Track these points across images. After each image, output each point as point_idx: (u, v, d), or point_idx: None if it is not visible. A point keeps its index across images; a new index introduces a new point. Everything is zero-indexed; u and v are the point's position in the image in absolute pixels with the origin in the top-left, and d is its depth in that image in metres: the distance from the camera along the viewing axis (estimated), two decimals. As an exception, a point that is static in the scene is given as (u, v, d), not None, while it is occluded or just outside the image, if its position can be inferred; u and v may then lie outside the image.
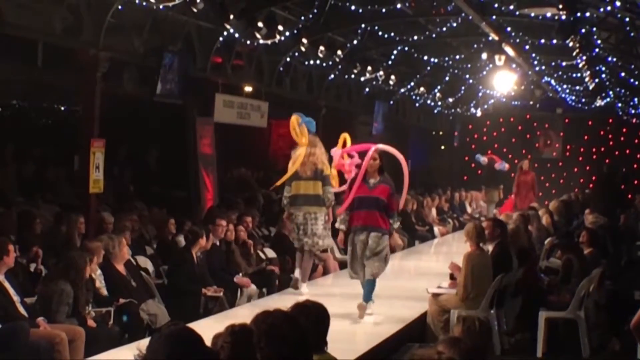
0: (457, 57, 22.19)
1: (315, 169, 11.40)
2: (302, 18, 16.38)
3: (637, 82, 22.89)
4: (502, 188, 25.51)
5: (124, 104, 16.64)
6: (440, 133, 33.26)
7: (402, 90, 24.18)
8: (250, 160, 22.40)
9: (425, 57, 21.48)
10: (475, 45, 20.88)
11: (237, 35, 14.56)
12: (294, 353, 4.49)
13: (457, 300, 10.07)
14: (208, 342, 4.06)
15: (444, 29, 18.53)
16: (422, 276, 14.11)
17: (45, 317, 8.81)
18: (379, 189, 10.36)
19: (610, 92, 26.06)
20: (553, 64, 22.85)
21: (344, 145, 11.11)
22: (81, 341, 8.75)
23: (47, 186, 15.39)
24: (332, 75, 20.69)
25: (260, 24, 14.07)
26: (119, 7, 12.66)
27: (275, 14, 15.37)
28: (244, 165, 21.09)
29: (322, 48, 17.02)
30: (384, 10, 16.51)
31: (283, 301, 9.67)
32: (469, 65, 23.18)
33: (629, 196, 24.45)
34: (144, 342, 3.75)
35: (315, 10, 16.02)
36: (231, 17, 13.64)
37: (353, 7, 15.90)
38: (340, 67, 19.55)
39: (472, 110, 30.64)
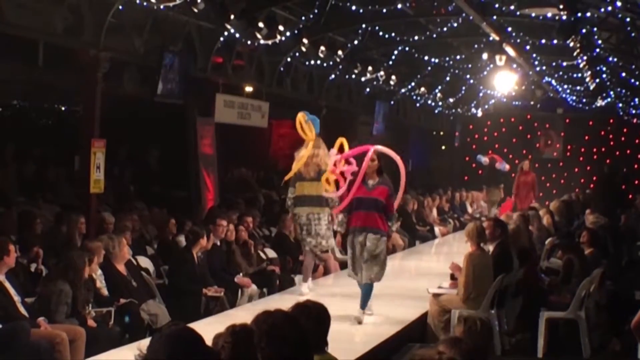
0: (458, 57, 22.19)
1: (318, 170, 11.40)
2: (303, 18, 16.39)
3: (637, 82, 22.88)
4: (503, 187, 25.53)
5: (124, 104, 16.64)
6: (441, 133, 33.27)
7: (403, 90, 24.18)
8: (251, 160, 22.40)
9: (426, 57, 21.48)
10: (475, 46, 20.88)
11: (237, 35, 14.56)
12: (294, 353, 4.49)
13: (457, 301, 10.06)
14: (209, 342, 4.06)
15: (445, 29, 18.52)
16: (422, 276, 14.10)
17: (45, 317, 8.81)
18: (377, 190, 10.32)
19: (611, 93, 26.05)
20: (554, 64, 22.85)
21: (341, 149, 11.07)
22: (82, 341, 8.75)
23: (48, 186, 15.40)
24: (333, 76, 20.69)
25: (260, 24, 14.06)
26: (120, 7, 12.66)
27: (275, 14, 15.37)
28: (244, 166, 21.09)
29: (322, 48, 17.02)
30: (384, 10, 16.51)
31: (284, 301, 9.66)
32: (470, 66, 23.18)
33: (630, 196, 24.43)
34: (145, 342, 3.75)
35: (316, 11, 16.03)
36: (232, 17, 13.63)
37: (354, 7, 15.91)
38: (340, 67, 19.55)
39: (473, 110, 30.65)
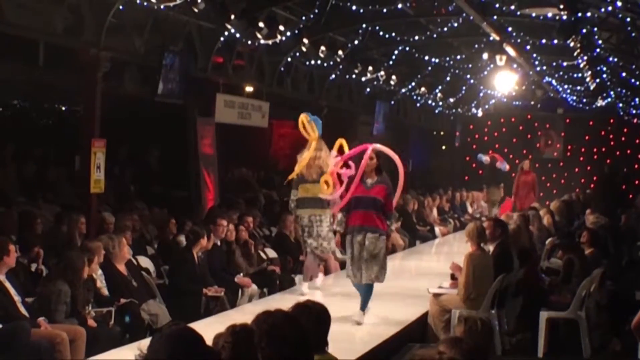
0: (458, 57, 22.19)
1: (320, 172, 11.39)
2: (303, 18, 16.40)
3: (638, 82, 22.88)
4: (503, 187, 25.54)
5: (124, 103, 16.65)
6: (442, 133, 33.28)
7: (403, 90, 24.18)
8: (251, 160, 22.40)
9: (426, 57, 21.47)
10: (476, 46, 20.88)
11: (238, 35, 14.56)
12: (295, 353, 4.49)
13: (458, 301, 10.06)
14: (209, 342, 4.06)
15: (445, 29, 18.52)
16: (423, 276, 14.10)
17: (45, 316, 8.81)
18: (376, 188, 10.23)
19: (611, 92, 26.05)
20: (554, 64, 22.85)
21: (341, 150, 11.07)
22: (82, 341, 8.75)
23: (48, 186, 15.40)
24: (333, 76, 20.69)
25: (261, 24, 14.07)
26: (120, 7, 12.66)
27: (276, 14, 15.38)
28: (244, 165, 21.10)
29: (323, 48, 17.02)
30: (385, 10, 16.50)
31: (284, 301, 9.67)
32: (470, 66, 23.18)
33: (630, 196, 24.44)
34: (145, 342, 3.75)
35: (316, 10, 16.03)
36: (232, 17, 13.64)
37: (354, 7, 15.90)
38: (341, 67, 19.54)
39: (473, 110, 30.66)
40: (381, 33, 18.62)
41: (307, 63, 18.86)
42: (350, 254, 10.35)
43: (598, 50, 19.03)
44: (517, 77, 22.21)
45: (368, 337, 9.61)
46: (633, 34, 17.34)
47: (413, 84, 24.00)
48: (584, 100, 28.45)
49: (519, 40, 18.81)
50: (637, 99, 26.67)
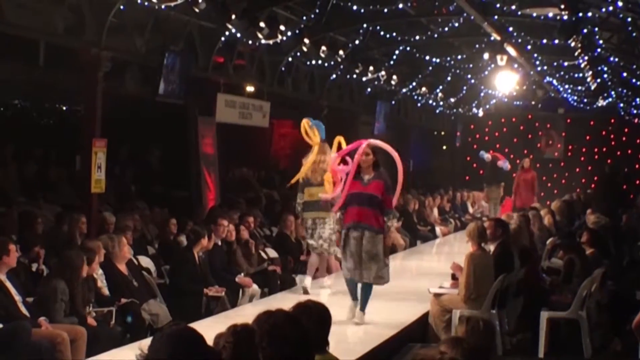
0: (459, 57, 22.19)
1: (325, 176, 11.40)
2: (304, 18, 16.40)
3: (639, 82, 22.88)
4: (503, 186, 25.52)
5: (125, 103, 16.65)
6: (442, 133, 33.28)
7: (404, 90, 24.18)
8: (252, 160, 22.41)
9: (427, 57, 21.48)
10: (477, 45, 20.89)
11: (239, 35, 14.56)
12: (295, 353, 4.49)
13: (458, 301, 10.05)
14: (210, 342, 4.06)
15: (446, 29, 18.52)
16: (423, 276, 14.10)
17: (44, 315, 8.81)
18: (372, 185, 10.04)
19: (612, 92, 26.05)
20: (555, 64, 22.86)
21: (339, 148, 11.07)
22: (83, 341, 8.75)
23: (49, 186, 15.40)
24: (334, 75, 20.69)
25: (262, 24, 14.07)
26: (121, 6, 12.66)
27: (277, 13, 15.38)
28: (245, 165, 21.10)
29: (324, 48, 17.02)
30: (385, 10, 16.50)
31: (285, 301, 9.66)
32: (471, 65, 23.19)
33: (631, 196, 24.44)
34: (146, 342, 3.75)
35: (317, 10, 16.03)
36: (233, 17, 13.64)
37: (355, 7, 15.90)
38: (342, 67, 19.55)
39: (474, 110, 30.66)
40: (382, 33, 18.62)
41: (308, 63, 18.86)
42: (347, 250, 10.14)
43: (599, 50, 19.03)
44: (518, 77, 22.22)
45: (369, 337, 9.60)
46: (634, 34, 17.34)
47: (414, 83, 24.00)
48: (585, 100, 28.45)
49: (519, 40, 18.81)
50: (638, 99, 26.67)
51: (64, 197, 14.75)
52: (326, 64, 18.60)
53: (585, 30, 15.90)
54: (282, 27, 14.61)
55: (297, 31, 15.90)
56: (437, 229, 22.35)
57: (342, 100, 23.15)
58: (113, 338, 9.30)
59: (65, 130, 18.69)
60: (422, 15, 18.11)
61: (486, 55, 19.41)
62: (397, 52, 20.58)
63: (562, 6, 14.42)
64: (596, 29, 17.39)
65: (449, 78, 24.68)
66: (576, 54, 17.19)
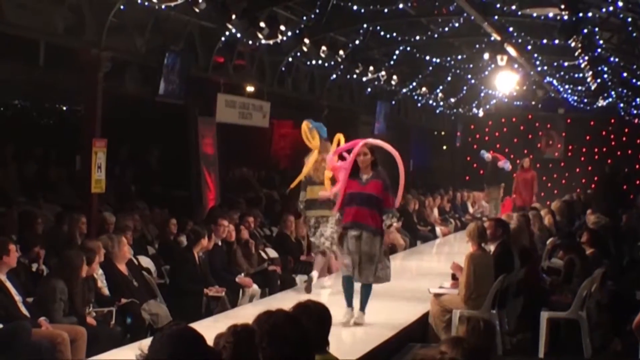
0: (459, 57, 22.19)
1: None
2: (304, 18, 16.40)
3: (639, 83, 22.88)
4: (504, 186, 25.53)
5: (125, 103, 16.65)
6: (442, 133, 33.29)
7: (404, 90, 24.18)
8: (252, 160, 22.41)
9: (427, 57, 21.48)
10: (477, 46, 20.88)
11: (239, 35, 14.56)
12: (295, 353, 4.49)
13: (459, 301, 10.05)
14: (210, 342, 4.06)
15: (446, 29, 18.52)
16: (423, 276, 14.10)
17: (44, 315, 8.81)
18: (371, 184, 9.96)
19: (612, 93, 26.06)
20: (555, 64, 22.86)
21: (339, 145, 11.08)
22: (83, 341, 8.75)
23: (49, 186, 15.40)
24: (334, 75, 20.69)
25: (262, 24, 14.07)
26: (121, 6, 12.65)
27: (277, 13, 15.37)
28: (245, 165, 21.10)
29: (324, 48, 17.02)
30: (386, 10, 16.50)
31: (285, 301, 9.65)
32: (471, 66, 23.18)
33: (631, 196, 24.45)
34: (146, 342, 3.75)
35: (317, 10, 16.03)
36: (233, 17, 13.64)
37: (355, 7, 15.90)
38: (342, 67, 19.55)
39: (474, 110, 30.67)
40: (382, 33, 18.62)
41: (308, 63, 18.86)
42: (345, 248, 10.08)
43: (599, 50, 19.03)
44: (518, 77, 22.23)
45: (369, 337, 9.60)
46: (634, 34, 17.35)
47: (414, 84, 24.01)
48: (585, 100, 28.46)
49: (520, 40, 18.81)
50: (638, 99, 26.67)
51: (64, 197, 14.75)
52: (326, 64, 18.60)
53: (585, 31, 15.90)
54: (282, 27, 14.61)
55: (297, 31, 15.90)
56: (437, 229, 22.35)
57: (342, 100, 23.15)
58: (113, 338, 9.30)
59: (65, 130, 18.70)
60: (422, 15, 18.11)
61: (486, 56, 19.41)
62: (397, 52, 20.58)
63: (562, 6, 14.42)
64: (596, 29, 17.39)
65: (449, 78, 24.68)
66: (576, 54, 17.19)
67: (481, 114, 31.03)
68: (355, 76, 20.25)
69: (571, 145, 32.40)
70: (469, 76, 25.02)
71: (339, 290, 11.55)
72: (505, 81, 21.79)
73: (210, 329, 4.64)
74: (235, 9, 13.72)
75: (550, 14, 16.69)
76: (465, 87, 26.88)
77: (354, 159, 10.05)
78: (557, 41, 17.10)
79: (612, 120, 31.24)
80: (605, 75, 22.75)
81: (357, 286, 10.29)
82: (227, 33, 14.70)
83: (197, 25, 15.11)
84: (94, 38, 12.69)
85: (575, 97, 28.64)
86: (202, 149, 16.52)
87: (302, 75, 20.26)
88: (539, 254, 13.37)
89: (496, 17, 16.78)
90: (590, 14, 15.69)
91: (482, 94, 28.85)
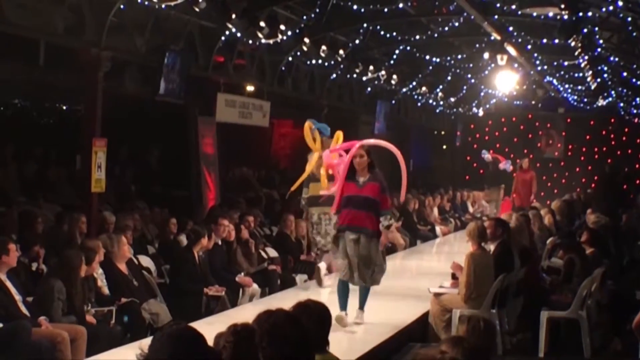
0: (459, 56, 22.20)
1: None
2: (304, 17, 16.41)
3: (638, 82, 22.88)
4: (504, 187, 25.56)
5: (125, 103, 16.65)
6: (442, 133, 33.29)
7: (404, 89, 24.19)
8: (252, 159, 22.42)
9: (427, 57, 21.48)
10: (477, 45, 20.89)
11: (239, 34, 14.56)
12: (296, 353, 4.49)
13: (459, 300, 10.05)
14: (210, 341, 4.06)
15: (446, 28, 18.52)
16: (423, 276, 14.10)
17: (43, 314, 8.81)
18: (368, 187, 9.93)
19: (612, 92, 26.06)
20: (555, 63, 22.86)
21: (337, 143, 11.11)
22: (83, 340, 8.75)
23: (49, 185, 15.40)
24: (334, 75, 20.69)
25: (262, 24, 14.08)
26: (121, 6, 12.66)
27: (277, 13, 15.38)
28: (245, 165, 21.10)
29: (324, 47, 17.03)
30: (386, 9, 16.51)
31: (285, 301, 9.65)
32: (471, 65, 23.20)
33: (631, 196, 24.45)
34: (146, 342, 3.74)
35: (317, 10, 16.04)
36: (233, 16, 13.64)
37: (355, 7, 15.90)
38: (342, 66, 19.55)
39: (474, 109, 30.68)
40: (382, 32, 18.62)
41: (308, 62, 18.87)
42: (342, 251, 10.04)
43: (599, 49, 19.03)
44: (518, 76, 22.23)
45: (368, 337, 9.60)
46: (634, 34, 17.34)
47: (414, 83, 24.01)
48: (585, 99, 28.47)
49: (519, 40, 18.81)
50: (638, 99, 26.68)
51: (64, 196, 14.75)
52: (326, 64, 18.60)
53: (585, 30, 15.90)
54: (282, 27, 14.62)
55: (297, 31, 15.91)
56: (437, 229, 22.35)
57: (342, 100, 23.15)
58: (113, 337, 9.30)
59: (66, 130, 18.68)
60: (422, 14, 18.11)
61: (486, 55, 19.41)
62: (397, 51, 20.58)
63: (562, 6, 14.42)
64: (596, 28, 17.39)
65: (449, 78, 24.69)
66: (576, 53, 17.19)
67: (481, 113, 31.04)
68: (355, 76, 20.25)
69: (571, 144, 32.41)
70: (469, 76, 25.03)
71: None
72: (505, 81, 21.79)
73: (210, 328, 4.64)
74: (235, 9, 13.72)
75: (550, 14, 16.70)
76: (465, 87, 26.89)
77: (350, 161, 10.03)
78: (557, 41, 17.11)
79: (612, 120, 31.25)
80: (605, 75, 22.75)
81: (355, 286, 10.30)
82: (227, 32, 14.71)
83: (197, 24, 15.11)
84: (94, 38, 12.69)
85: (575, 97, 28.66)
86: (202, 149, 16.52)
87: (302, 75, 20.27)
88: (539, 254, 13.36)
89: (496, 16, 16.78)
90: (590, 14, 15.70)
91: (482, 94, 28.85)
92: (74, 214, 11.83)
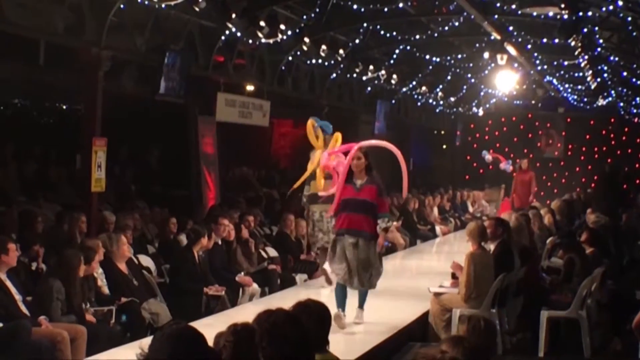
0: (459, 56, 22.19)
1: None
2: (304, 17, 16.41)
3: (638, 82, 22.88)
4: (504, 187, 25.56)
5: (125, 103, 16.65)
6: (442, 132, 33.29)
7: (404, 89, 24.18)
8: (252, 159, 22.42)
9: (427, 57, 21.47)
10: (477, 45, 20.88)
11: (239, 34, 14.56)
12: (295, 352, 4.49)
13: (459, 300, 10.06)
14: (210, 341, 4.06)
15: (446, 28, 18.51)
16: (423, 275, 14.10)
17: (42, 314, 8.81)
18: (365, 190, 9.90)
19: (612, 92, 26.07)
20: (555, 63, 22.86)
21: (336, 144, 11.10)
22: (83, 340, 8.75)
23: (49, 185, 15.40)
24: (334, 75, 20.69)
25: (262, 23, 14.08)
26: (121, 5, 12.65)
27: (277, 12, 15.36)
28: (245, 164, 21.11)
29: (324, 47, 17.02)
30: (386, 9, 16.50)
31: (285, 300, 9.65)
32: (471, 65, 23.19)
33: (631, 195, 24.45)
34: (146, 341, 3.74)
35: (317, 9, 16.04)
36: (233, 16, 13.64)
37: (355, 6, 15.89)
38: (342, 66, 19.55)
39: (474, 109, 30.67)
40: (382, 32, 18.61)
41: (308, 62, 18.87)
42: (340, 254, 9.93)
43: (599, 49, 19.03)
44: (518, 76, 22.22)
45: (368, 337, 9.60)
46: (634, 33, 17.33)
47: (414, 83, 24.01)
48: (585, 99, 28.47)
49: (519, 40, 18.81)
50: (638, 98, 26.68)
51: (64, 196, 14.75)
52: (326, 63, 18.59)
53: (585, 30, 15.90)
54: (282, 26, 14.62)
55: (297, 30, 15.91)
56: (437, 228, 22.36)
57: (342, 100, 23.15)
58: (113, 337, 9.30)
59: (66, 130, 18.68)
60: (422, 14, 18.10)
61: (486, 55, 19.41)
62: (397, 51, 20.58)
63: (563, 5, 14.42)
64: (596, 28, 17.39)
65: (449, 77, 24.69)
66: (576, 53, 17.19)
67: (481, 113, 31.03)
68: (355, 75, 20.25)
69: (571, 144, 32.42)
70: (469, 75, 25.03)
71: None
72: (505, 80, 21.79)
73: (210, 328, 4.64)
74: (235, 8, 13.72)
75: (550, 13, 16.70)
76: (465, 86, 26.89)
77: (349, 164, 10.01)
78: (557, 40, 17.10)
79: (612, 120, 31.26)
80: (605, 75, 22.75)
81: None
82: (227, 32, 14.70)
83: (197, 24, 15.11)
84: (94, 37, 12.69)
85: (575, 96, 28.65)
86: (202, 148, 16.52)
87: (302, 75, 20.26)
88: (539, 253, 13.36)
89: (496, 16, 16.78)
90: (590, 13, 15.70)
91: (482, 93, 28.85)
92: (74, 213, 11.83)
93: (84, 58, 12.82)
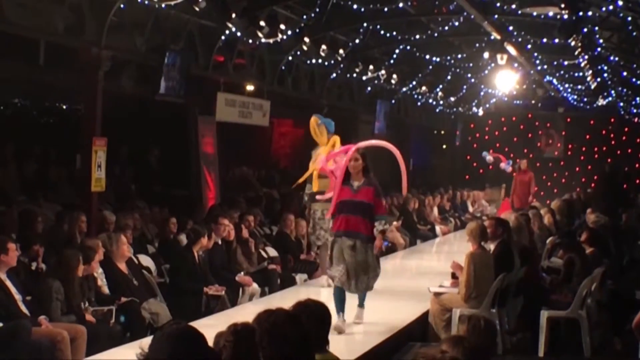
0: (459, 56, 22.19)
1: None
2: (304, 17, 16.41)
3: (638, 82, 22.88)
4: (504, 187, 25.56)
5: (125, 102, 16.65)
6: (442, 132, 33.30)
7: (404, 89, 24.19)
8: (252, 159, 22.42)
9: (427, 56, 21.47)
10: (477, 45, 20.88)
11: (239, 34, 14.56)
12: (295, 352, 4.49)
13: (459, 300, 10.06)
14: (210, 341, 4.06)
15: (446, 28, 18.51)
16: (423, 275, 14.10)
17: (42, 314, 8.81)
18: (362, 192, 9.86)
19: (612, 92, 26.06)
20: (555, 63, 22.86)
21: (334, 147, 11.09)
22: (83, 340, 8.75)
23: (49, 185, 15.40)
24: (334, 74, 20.68)
25: (262, 23, 14.08)
26: (121, 5, 12.66)
27: (277, 12, 15.37)
28: (245, 164, 21.11)
29: (324, 47, 17.03)
30: (386, 9, 16.50)
31: (285, 300, 9.65)
32: (471, 65, 23.19)
33: (631, 195, 24.45)
34: (146, 341, 3.74)
35: (317, 9, 16.04)
36: (233, 15, 13.64)
37: (355, 6, 15.89)
38: (342, 66, 19.55)
39: (474, 109, 30.68)
40: (382, 32, 18.61)
41: (308, 62, 18.87)
42: (339, 257, 9.89)
43: (599, 49, 19.03)
44: (518, 76, 22.23)
45: (368, 337, 9.60)
46: (634, 33, 17.33)
47: (414, 83, 24.01)
48: (585, 99, 28.47)
49: (519, 39, 18.81)
50: (637, 98, 26.69)
51: (64, 196, 14.75)
52: (326, 63, 18.59)
53: (585, 30, 15.90)
54: (282, 26, 14.62)
55: (297, 30, 15.91)
56: (437, 228, 22.36)
57: (342, 99, 23.15)
58: (113, 337, 9.31)
59: (66, 129, 18.67)
60: (422, 14, 18.11)
61: (486, 55, 19.40)
62: (397, 51, 20.58)
63: (563, 5, 14.42)
64: (596, 28, 17.38)
65: (449, 77, 24.69)
66: (576, 53, 17.19)
67: (481, 113, 31.04)
68: (355, 75, 20.25)
69: (571, 144, 32.42)
70: (469, 75, 25.03)
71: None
72: (505, 80, 21.79)
73: (210, 328, 4.64)
74: (235, 8, 13.72)
75: (550, 13, 16.70)
76: (465, 86, 26.89)
77: (346, 166, 9.99)
78: (557, 40, 17.11)
79: (612, 120, 31.26)
80: (605, 74, 22.74)
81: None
82: (227, 32, 14.71)
83: (197, 24, 15.11)
84: (94, 37, 12.69)
85: (575, 96, 28.65)
86: (202, 148, 16.52)
87: (302, 74, 20.26)
88: (539, 253, 13.36)
89: (496, 16, 16.78)
90: (590, 13, 15.70)
91: (482, 93, 28.85)
92: (74, 213, 11.82)
93: (84, 58, 12.83)
